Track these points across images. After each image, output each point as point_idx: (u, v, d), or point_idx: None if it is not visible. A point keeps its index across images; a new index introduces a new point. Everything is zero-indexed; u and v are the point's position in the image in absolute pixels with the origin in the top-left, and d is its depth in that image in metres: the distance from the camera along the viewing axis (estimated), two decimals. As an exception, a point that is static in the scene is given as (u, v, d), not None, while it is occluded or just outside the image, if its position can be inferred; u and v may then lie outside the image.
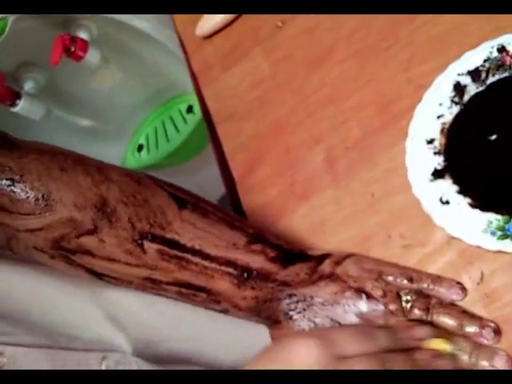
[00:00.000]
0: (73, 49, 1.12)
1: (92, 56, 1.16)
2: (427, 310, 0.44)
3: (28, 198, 0.47)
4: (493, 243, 0.44)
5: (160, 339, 0.54)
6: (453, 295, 0.45)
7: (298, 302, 0.48)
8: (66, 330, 0.49)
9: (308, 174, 0.60)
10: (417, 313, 0.44)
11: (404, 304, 0.45)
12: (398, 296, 0.45)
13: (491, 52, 0.51)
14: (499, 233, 0.44)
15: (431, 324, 0.44)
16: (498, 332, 0.43)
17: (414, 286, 0.46)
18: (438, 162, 0.50)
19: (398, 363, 0.41)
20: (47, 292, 0.52)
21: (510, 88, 0.50)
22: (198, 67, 0.80)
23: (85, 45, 1.13)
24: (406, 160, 0.52)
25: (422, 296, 0.45)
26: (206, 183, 1.04)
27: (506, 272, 0.44)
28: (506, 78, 0.50)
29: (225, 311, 0.51)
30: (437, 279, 0.46)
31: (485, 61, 0.51)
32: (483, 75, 0.51)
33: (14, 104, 1.17)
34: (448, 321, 0.44)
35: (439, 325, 0.44)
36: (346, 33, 0.65)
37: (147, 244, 0.48)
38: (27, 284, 0.51)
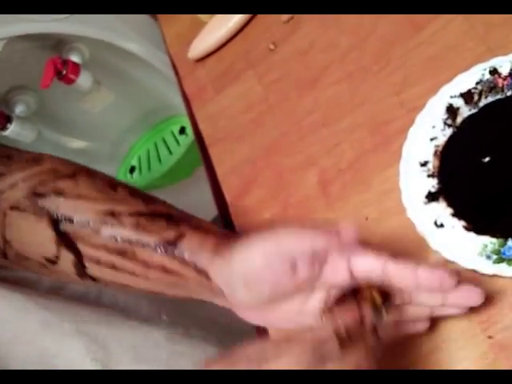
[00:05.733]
0: (64, 72, 1.12)
1: (84, 79, 1.16)
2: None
3: (23, 157, 0.52)
4: (488, 267, 0.43)
5: None
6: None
7: None
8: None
9: (301, 196, 0.60)
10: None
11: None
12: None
13: (483, 74, 0.51)
14: (495, 256, 0.43)
15: None
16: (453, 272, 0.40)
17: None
18: (432, 184, 0.50)
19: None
20: (32, 322, 0.53)
21: (503, 110, 0.50)
22: (191, 90, 0.80)
23: (76, 68, 1.13)
24: (399, 182, 0.51)
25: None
26: (199, 204, 1.03)
27: (503, 296, 0.43)
28: (498, 100, 0.50)
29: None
30: None
31: (477, 83, 0.51)
32: (476, 97, 0.51)
33: (4, 128, 1.17)
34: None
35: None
36: (338, 55, 0.65)
37: (120, 187, 0.50)
38: (14, 312, 0.53)
